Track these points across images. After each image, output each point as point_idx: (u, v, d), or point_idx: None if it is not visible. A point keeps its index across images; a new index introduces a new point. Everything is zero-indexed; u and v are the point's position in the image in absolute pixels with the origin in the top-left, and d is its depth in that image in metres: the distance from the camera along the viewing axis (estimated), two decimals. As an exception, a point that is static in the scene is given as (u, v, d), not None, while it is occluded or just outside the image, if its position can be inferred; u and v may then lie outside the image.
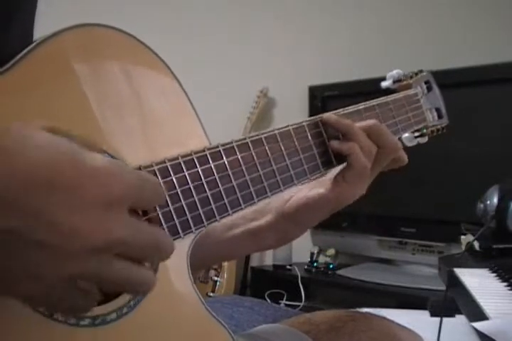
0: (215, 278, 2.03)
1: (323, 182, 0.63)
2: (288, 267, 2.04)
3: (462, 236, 1.09)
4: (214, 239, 0.66)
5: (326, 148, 0.62)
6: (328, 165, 0.62)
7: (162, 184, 0.44)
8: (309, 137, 0.60)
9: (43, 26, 0.50)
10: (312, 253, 2.03)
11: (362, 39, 2.09)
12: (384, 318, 0.71)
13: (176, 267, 0.49)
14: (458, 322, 0.85)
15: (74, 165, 0.34)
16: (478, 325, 0.64)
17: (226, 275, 2.05)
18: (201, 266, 0.66)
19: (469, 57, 1.72)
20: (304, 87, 2.11)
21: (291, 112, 2.19)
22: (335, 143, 0.62)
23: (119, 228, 0.35)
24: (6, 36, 0.44)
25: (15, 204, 0.32)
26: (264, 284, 2.03)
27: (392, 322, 0.71)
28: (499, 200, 1.01)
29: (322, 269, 1.97)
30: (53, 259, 0.33)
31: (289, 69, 2.25)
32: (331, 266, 1.97)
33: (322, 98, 2.05)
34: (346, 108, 0.65)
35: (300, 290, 1.90)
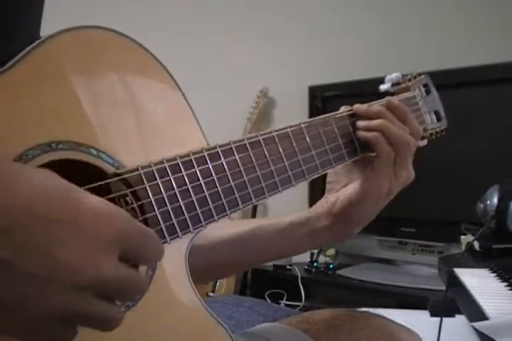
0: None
1: (359, 179, 0.66)
2: (288, 267, 2.04)
3: (462, 236, 1.09)
4: (283, 236, 0.68)
5: (325, 150, 0.62)
6: (326, 165, 0.63)
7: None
8: (307, 139, 0.61)
9: (46, 27, 0.49)
10: (312, 253, 2.02)
11: (362, 39, 2.09)
12: (382, 317, 0.72)
13: (174, 267, 0.49)
14: (458, 322, 0.85)
15: (71, 202, 0.34)
16: (478, 325, 0.64)
17: (226, 276, 2.04)
18: (259, 261, 0.71)
19: (469, 57, 1.72)
20: (304, 87, 2.11)
21: (291, 112, 2.19)
22: (361, 133, 0.64)
23: (108, 268, 0.35)
24: (13, 37, 0.44)
25: (9, 235, 0.32)
26: (264, 284, 2.03)
27: (391, 321, 0.71)
28: (499, 200, 1.01)
29: (322, 269, 1.97)
30: (42, 293, 0.33)
31: (289, 69, 2.25)
32: (331, 266, 1.97)
33: (322, 98, 2.05)
34: (342, 111, 0.65)
35: (300, 290, 1.90)
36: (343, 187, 0.68)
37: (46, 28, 0.47)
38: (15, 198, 0.32)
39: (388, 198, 0.67)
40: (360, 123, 0.65)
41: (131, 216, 0.39)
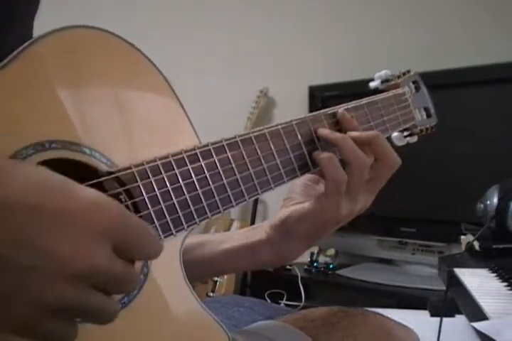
0: (215, 278, 2.02)
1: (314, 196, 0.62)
2: (288, 267, 2.03)
3: (462, 236, 1.09)
4: (208, 252, 0.66)
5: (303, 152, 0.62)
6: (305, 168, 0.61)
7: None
8: (299, 136, 0.60)
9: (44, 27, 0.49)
10: (312, 253, 2.02)
11: (362, 39, 2.09)
12: (379, 314, 0.72)
13: (168, 265, 0.49)
14: (458, 322, 0.85)
15: (63, 193, 0.34)
16: (478, 325, 0.64)
17: (226, 275, 2.04)
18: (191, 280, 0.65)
19: (469, 57, 1.72)
20: (304, 87, 2.11)
21: (291, 112, 2.17)
22: (315, 154, 0.61)
23: (101, 258, 0.34)
24: (5, 37, 0.44)
25: (1, 228, 0.32)
26: (264, 284, 2.03)
27: (387, 318, 0.71)
28: (499, 200, 1.01)
29: (322, 269, 1.97)
30: (36, 284, 0.33)
31: (289, 69, 2.25)
32: (331, 266, 1.97)
33: (322, 98, 2.05)
34: (333, 107, 0.65)
35: (300, 290, 1.90)
36: (297, 204, 0.64)
37: (44, 28, 0.47)
38: (5, 191, 0.32)
39: (340, 222, 0.62)
40: (314, 155, 0.60)
41: (126, 209, 0.38)
